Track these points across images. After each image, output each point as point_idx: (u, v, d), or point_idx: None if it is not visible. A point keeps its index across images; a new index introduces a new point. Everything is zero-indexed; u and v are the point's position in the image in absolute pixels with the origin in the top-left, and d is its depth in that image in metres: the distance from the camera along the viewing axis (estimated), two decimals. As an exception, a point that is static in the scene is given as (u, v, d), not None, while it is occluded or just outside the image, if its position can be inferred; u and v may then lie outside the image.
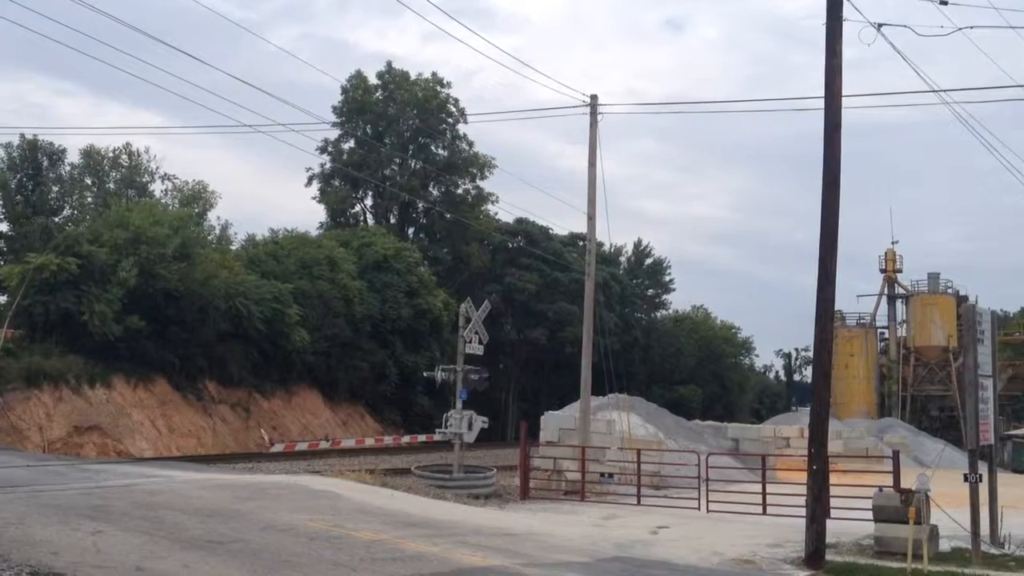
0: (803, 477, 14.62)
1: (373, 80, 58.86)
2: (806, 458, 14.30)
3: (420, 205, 59.56)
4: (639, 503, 21.20)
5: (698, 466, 21.54)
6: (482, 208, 60.17)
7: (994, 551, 14.79)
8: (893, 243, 68.91)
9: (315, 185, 59.13)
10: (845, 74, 14.49)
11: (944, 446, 41.98)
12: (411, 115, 57.88)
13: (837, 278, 14.54)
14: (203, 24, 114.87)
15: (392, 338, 46.59)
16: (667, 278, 79.98)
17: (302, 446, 35.62)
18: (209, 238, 44.88)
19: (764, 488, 19.66)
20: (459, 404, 22.56)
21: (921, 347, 65.57)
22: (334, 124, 56.81)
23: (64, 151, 45.77)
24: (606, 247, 63.55)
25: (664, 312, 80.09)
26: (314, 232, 53.79)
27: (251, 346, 38.58)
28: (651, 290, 79.38)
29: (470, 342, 22.81)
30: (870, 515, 14.97)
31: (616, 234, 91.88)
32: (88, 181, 48.68)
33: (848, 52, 14.77)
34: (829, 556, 13.98)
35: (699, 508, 19.99)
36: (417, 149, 59.07)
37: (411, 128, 58.52)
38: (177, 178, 50.92)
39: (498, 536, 14.77)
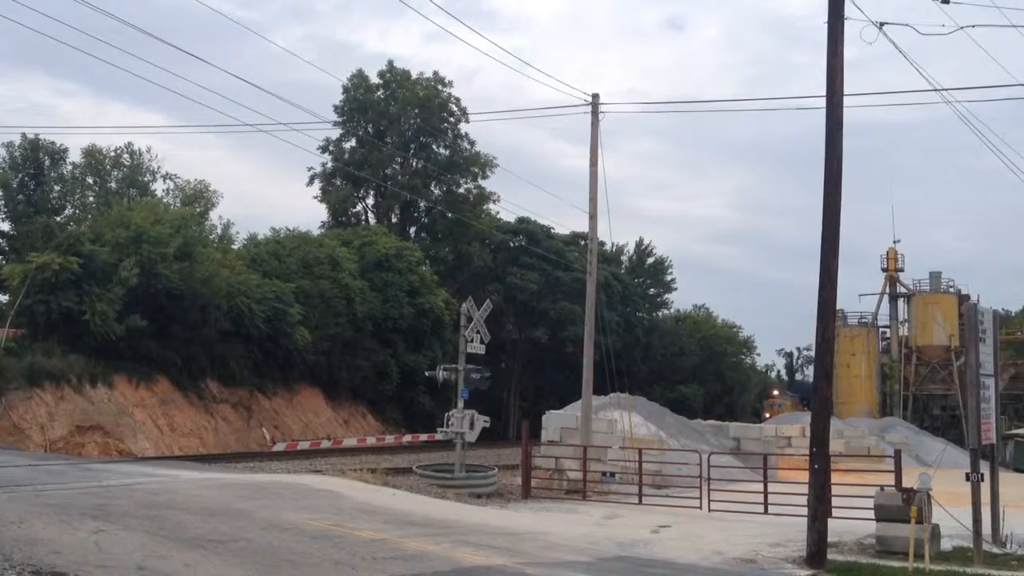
0: (805, 476, 14.60)
1: (374, 79, 58.89)
2: (808, 457, 14.29)
3: (421, 204, 59.56)
4: (641, 502, 21.18)
5: (700, 465, 21.51)
6: (483, 207, 60.16)
7: (996, 550, 14.78)
8: (895, 242, 69.03)
9: (317, 184, 59.31)
10: (846, 73, 14.47)
11: (946, 445, 41.97)
12: (412, 114, 57.88)
13: (839, 277, 14.50)
14: (205, 24, 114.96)
15: (394, 337, 46.62)
16: (668, 277, 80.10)
17: (304, 445, 35.67)
18: (211, 237, 44.91)
19: (766, 487, 19.67)
20: (461, 403, 22.55)
21: (923, 346, 65.52)
22: (336, 123, 56.83)
23: (66, 150, 45.90)
24: (608, 246, 63.67)
25: (666, 311, 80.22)
26: (316, 231, 53.98)
27: (253, 345, 38.64)
28: (652, 289, 79.40)
29: (472, 341, 22.82)
30: (872, 514, 14.96)
31: (618, 233, 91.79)
32: (90, 180, 48.70)
33: (849, 51, 14.75)
34: (831, 555, 13.97)
35: (701, 507, 19.97)
36: (418, 148, 59.07)
37: (412, 127, 58.52)
38: (179, 177, 50.94)
39: (500, 535, 14.76)
